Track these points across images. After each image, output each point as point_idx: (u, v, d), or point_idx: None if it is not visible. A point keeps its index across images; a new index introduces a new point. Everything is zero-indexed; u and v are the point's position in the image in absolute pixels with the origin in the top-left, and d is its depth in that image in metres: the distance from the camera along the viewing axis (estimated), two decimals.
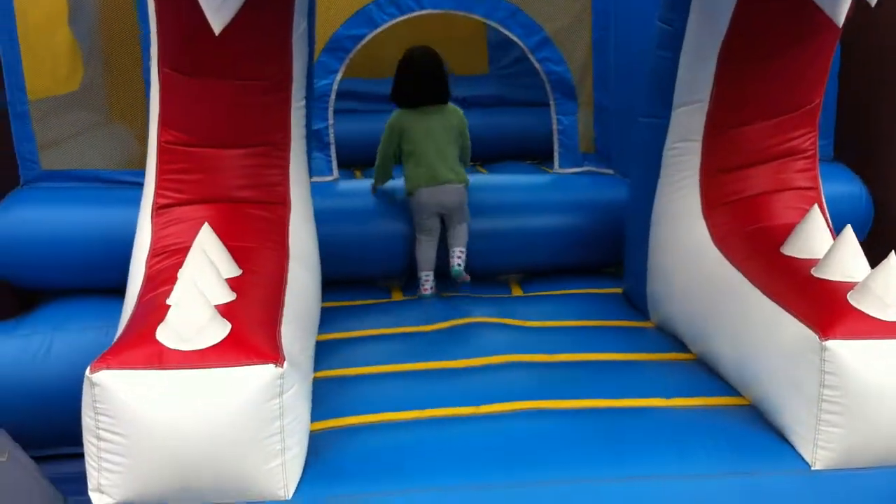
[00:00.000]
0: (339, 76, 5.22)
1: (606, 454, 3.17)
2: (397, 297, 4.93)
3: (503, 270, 5.18)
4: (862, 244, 4.97)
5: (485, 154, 7.35)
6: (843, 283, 3.24)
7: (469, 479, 3.01)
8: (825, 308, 3.10)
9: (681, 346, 4.08)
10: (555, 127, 5.32)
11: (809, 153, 4.07)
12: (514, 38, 5.22)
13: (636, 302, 4.61)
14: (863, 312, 3.05)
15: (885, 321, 3.02)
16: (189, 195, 3.73)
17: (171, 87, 3.66)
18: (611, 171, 5.40)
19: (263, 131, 3.85)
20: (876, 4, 3.04)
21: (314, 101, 4.97)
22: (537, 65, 5.23)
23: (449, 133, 4.84)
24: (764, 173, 4.03)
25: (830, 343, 2.96)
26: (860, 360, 2.95)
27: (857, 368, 2.95)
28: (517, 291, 5.00)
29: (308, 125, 4.22)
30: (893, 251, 3.16)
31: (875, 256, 4.64)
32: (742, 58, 3.83)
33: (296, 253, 3.80)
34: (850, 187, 5.10)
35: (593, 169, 5.41)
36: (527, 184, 5.42)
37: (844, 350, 2.95)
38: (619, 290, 4.89)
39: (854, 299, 3.11)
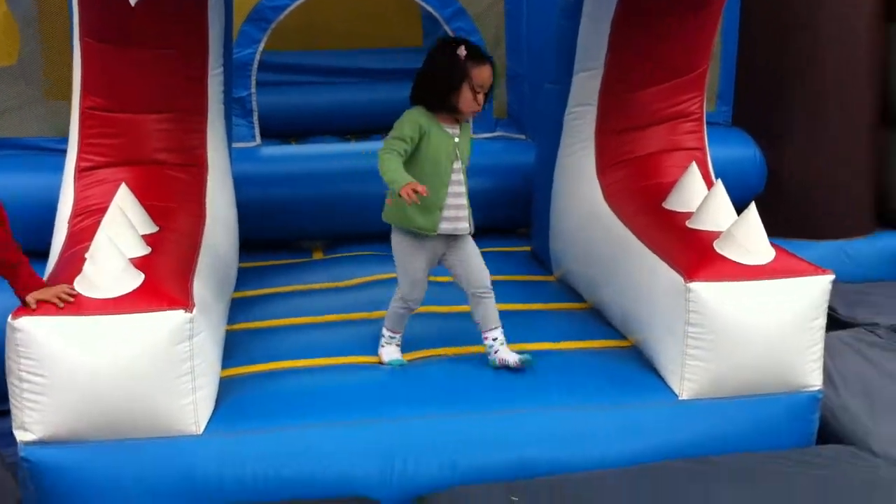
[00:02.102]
0: (261, 46, 5.40)
1: (501, 392, 3.45)
2: (318, 257, 5.16)
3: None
4: (756, 201, 5.38)
5: None
6: (712, 232, 3.54)
7: (368, 414, 3.28)
8: (692, 255, 3.41)
9: (578, 297, 4.38)
10: None
11: (696, 116, 4.36)
12: (430, 9, 5.44)
13: (542, 258, 4.90)
14: (725, 258, 3.36)
15: (745, 265, 3.34)
16: (110, 158, 3.92)
17: (92, 55, 3.84)
18: (523, 136, 5.67)
19: (181, 97, 4.05)
20: None
21: (237, 69, 5.18)
22: (452, 34, 5.45)
23: None
24: (654, 135, 4.32)
25: (694, 285, 3.27)
26: (721, 300, 3.27)
27: (717, 307, 3.26)
28: None
29: (227, 92, 4.42)
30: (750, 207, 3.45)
31: (768, 213, 5.01)
32: (633, 25, 4.11)
33: (212, 212, 4.03)
34: (746, 150, 5.41)
35: (506, 134, 5.66)
36: None
37: (706, 291, 3.27)
38: (528, 249, 5.18)
39: (719, 246, 3.42)
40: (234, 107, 5.09)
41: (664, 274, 3.46)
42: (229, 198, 4.42)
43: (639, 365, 3.61)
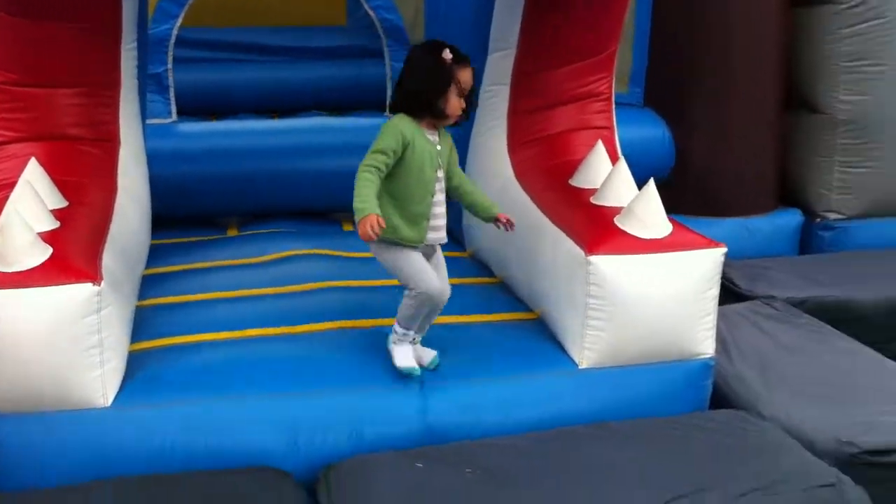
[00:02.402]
0: (178, 21, 5.38)
1: None
2: (233, 233, 5.19)
3: (336, 209, 5.50)
4: (664, 180, 5.57)
5: (347, 103, 7.64)
6: (614, 208, 3.67)
7: (275, 386, 3.33)
8: (593, 229, 3.53)
9: (490, 272, 4.50)
10: (388, 73, 5.63)
11: (605, 96, 4.49)
12: None
13: (456, 235, 4.97)
14: (625, 232, 3.49)
15: (642, 239, 3.47)
16: (20, 133, 3.89)
17: (1, 29, 3.80)
18: None
19: (93, 72, 4.04)
20: None
21: (153, 45, 5.17)
22: (371, 12, 5.51)
23: None
24: (564, 114, 4.44)
25: (594, 258, 3.40)
26: (619, 273, 3.39)
27: (616, 280, 3.39)
28: (348, 227, 5.33)
29: (141, 68, 4.41)
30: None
31: (677, 191, 5.18)
32: (544, 6, 4.21)
33: (124, 188, 4.04)
34: (656, 131, 5.59)
35: None
36: (358, 125, 5.72)
37: (605, 264, 3.39)
38: None
39: (619, 221, 3.55)
40: (150, 83, 5.09)
41: (567, 248, 3.58)
42: (142, 174, 4.42)
43: (542, 336, 3.73)
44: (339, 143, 5.49)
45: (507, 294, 4.20)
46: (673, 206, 5.33)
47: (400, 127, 3.23)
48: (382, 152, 3.18)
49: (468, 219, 4.71)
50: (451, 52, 3.26)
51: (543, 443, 3.24)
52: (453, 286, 4.29)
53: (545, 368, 3.52)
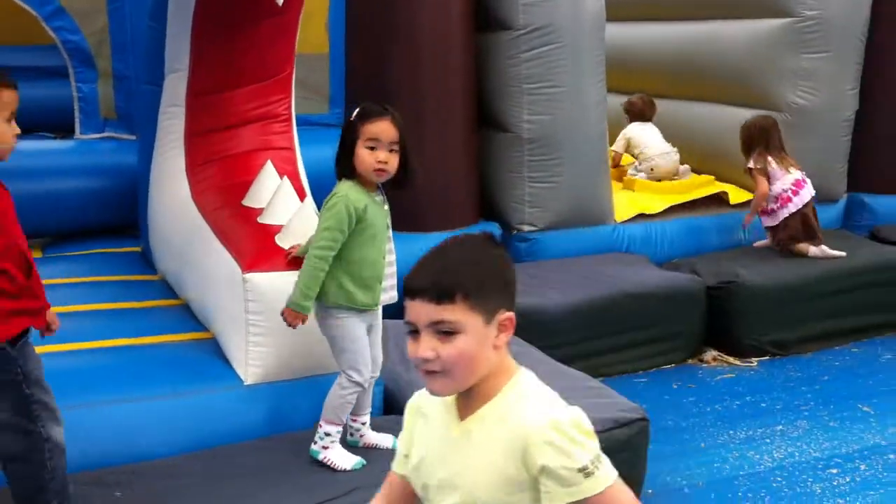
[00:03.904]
0: None
1: (61, 390, 3.44)
2: None
3: (27, 235, 5.27)
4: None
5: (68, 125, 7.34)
6: (277, 226, 3.76)
7: None
8: (253, 247, 3.61)
9: (175, 294, 4.47)
10: (75, 94, 5.50)
11: (284, 117, 4.58)
12: (27, 7, 5.31)
13: (149, 258, 4.94)
14: (283, 248, 3.58)
15: (299, 256, 3.56)
16: None
17: None
18: (133, 137, 5.67)
19: None
20: None
21: None
22: (52, 34, 5.36)
23: None
24: (244, 135, 4.49)
25: (249, 275, 3.48)
26: (274, 289, 3.46)
27: (272, 296, 3.46)
28: (37, 254, 5.14)
29: None
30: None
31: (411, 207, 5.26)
32: (209, 30, 4.26)
33: None
34: None
35: (114, 135, 5.65)
36: (47, 149, 5.56)
37: (260, 281, 3.48)
38: (139, 249, 5.20)
39: (279, 239, 3.64)
40: None
41: (229, 266, 3.64)
42: None
43: (212, 355, 3.76)
44: (12, 167, 5.27)
45: (189, 315, 4.19)
46: None
47: (349, 200, 3.14)
48: (339, 230, 3.13)
49: (154, 240, 4.68)
50: (362, 108, 3.21)
51: (202, 461, 3.27)
52: (139, 311, 4.29)
53: (209, 386, 3.54)
